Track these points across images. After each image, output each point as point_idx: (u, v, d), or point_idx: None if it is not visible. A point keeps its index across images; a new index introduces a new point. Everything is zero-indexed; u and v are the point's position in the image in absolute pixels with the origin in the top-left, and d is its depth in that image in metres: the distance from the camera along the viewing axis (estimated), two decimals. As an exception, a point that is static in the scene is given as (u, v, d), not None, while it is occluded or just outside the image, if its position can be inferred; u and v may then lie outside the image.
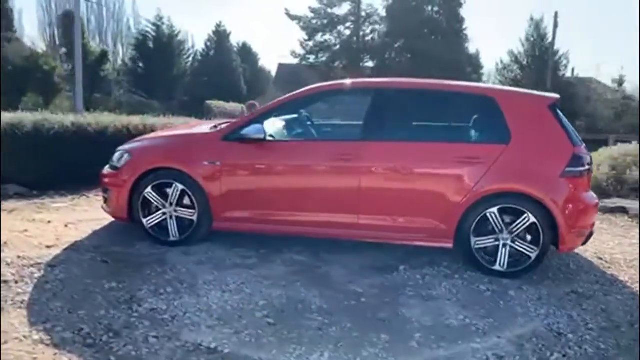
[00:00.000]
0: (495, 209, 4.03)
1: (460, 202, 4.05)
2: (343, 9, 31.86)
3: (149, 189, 4.43)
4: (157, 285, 3.71)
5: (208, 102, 20.89)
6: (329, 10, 31.83)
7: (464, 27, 29.75)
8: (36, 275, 3.73)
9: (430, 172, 4.16)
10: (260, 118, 4.37)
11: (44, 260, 3.98)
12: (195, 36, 60.55)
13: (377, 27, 31.72)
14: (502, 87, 4.56)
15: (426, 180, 4.15)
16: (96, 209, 5.53)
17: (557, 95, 4.29)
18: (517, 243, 4.05)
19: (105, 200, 4.75)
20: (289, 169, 4.33)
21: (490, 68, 31.08)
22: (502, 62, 27.95)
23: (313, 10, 31.74)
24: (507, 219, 4.04)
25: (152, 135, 5.34)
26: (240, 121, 4.45)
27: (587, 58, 58.83)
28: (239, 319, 3.30)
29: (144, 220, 4.49)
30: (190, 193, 4.36)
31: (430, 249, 4.35)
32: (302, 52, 32.58)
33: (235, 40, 34.07)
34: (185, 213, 4.42)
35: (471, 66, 30.19)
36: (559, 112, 4.18)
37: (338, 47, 32.03)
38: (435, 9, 29.96)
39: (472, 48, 30.82)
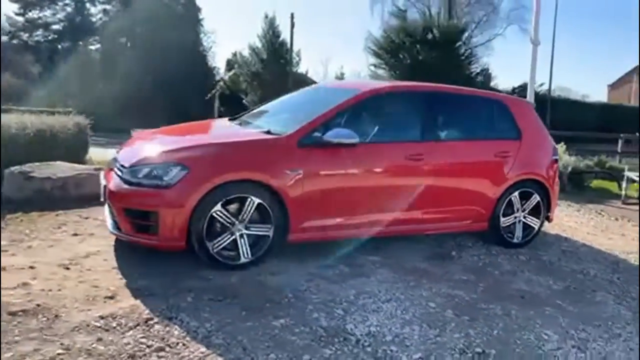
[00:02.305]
0: (516, 193, 4.96)
1: (498, 190, 4.83)
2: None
3: (218, 207, 3.77)
4: (327, 313, 3.35)
5: None
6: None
7: (200, 16, 29.89)
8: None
9: (479, 166, 4.80)
10: (331, 121, 4.21)
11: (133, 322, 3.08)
12: None
13: (108, 7, 28.96)
14: (505, 94, 5.47)
15: (476, 173, 4.77)
16: (56, 240, 4.26)
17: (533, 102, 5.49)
18: (527, 219, 5.09)
19: (143, 228, 3.78)
20: (368, 171, 4.31)
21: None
22: (241, 54, 29.26)
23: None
24: (522, 201, 5.03)
25: (193, 143, 4.20)
26: (312, 125, 4.16)
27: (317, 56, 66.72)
28: (433, 316, 3.35)
29: (210, 245, 3.81)
30: (267, 206, 3.91)
31: (448, 236, 5.01)
32: (10, 28, 27.30)
33: None
34: (259, 229, 3.94)
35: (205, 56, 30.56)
36: (536, 113, 5.38)
37: (59, 26, 28.03)
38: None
39: (209, 40, 31.18)
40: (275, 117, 4.86)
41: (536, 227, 5.16)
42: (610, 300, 4.01)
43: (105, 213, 4.27)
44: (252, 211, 3.87)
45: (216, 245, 3.82)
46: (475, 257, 4.70)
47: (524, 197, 5.02)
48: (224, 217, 3.81)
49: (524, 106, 5.31)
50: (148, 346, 2.77)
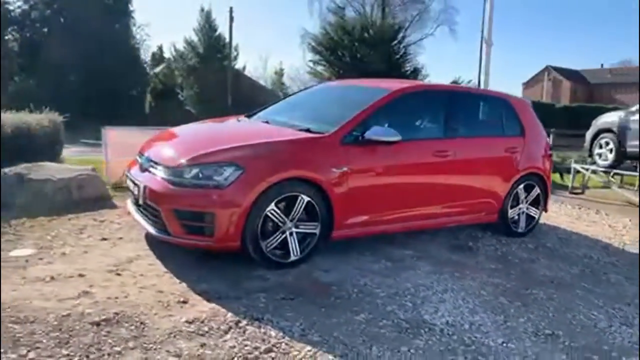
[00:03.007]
0: (522, 186, 5.33)
1: (507, 184, 5.17)
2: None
3: (272, 206, 3.78)
4: (399, 305, 3.46)
5: None
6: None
7: (131, 8, 28.55)
8: None
9: (493, 161, 5.09)
10: (369, 119, 4.31)
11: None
12: None
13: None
14: (506, 93, 5.78)
15: (491, 168, 5.07)
16: (88, 246, 4.06)
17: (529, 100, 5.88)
18: (530, 210, 5.48)
19: (196, 230, 3.70)
20: (402, 168, 4.45)
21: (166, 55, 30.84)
22: (175, 48, 28.42)
23: None
24: (525, 193, 5.40)
25: (243, 142, 4.04)
26: (352, 123, 4.23)
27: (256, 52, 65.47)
28: (491, 304, 3.57)
29: (263, 244, 3.80)
30: (315, 204, 3.96)
31: (457, 229, 5.30)
32: None
33: None
34: (307, 227, 3.98)
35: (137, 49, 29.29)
36: (532, 110, 5.77)
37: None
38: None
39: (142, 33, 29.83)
40: (300, 115, 4.86)
41: (536, 217, 5.58)
42: (623, 281, 4.44)
43: (134, 216, 4.12)
44: (301, 209, 3.90)
45: (269, 244, 3.82)
46: (491, 247, 4.99)
47: (527, 189, 5.40)
48: (277, 216, 3.81)
49: (524, 104, 5.68)
50: (254, 348, 2.75)
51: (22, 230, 4.37)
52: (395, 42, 26.36)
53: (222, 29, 28.00)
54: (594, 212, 7.63)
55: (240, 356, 2.67)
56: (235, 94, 25.30)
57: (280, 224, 3.85)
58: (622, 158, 9.26)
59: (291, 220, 3.88)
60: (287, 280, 3.70)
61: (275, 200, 3.78)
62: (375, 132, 4.17)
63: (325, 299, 3.45)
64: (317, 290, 3.59)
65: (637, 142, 8.70)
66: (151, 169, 3.99)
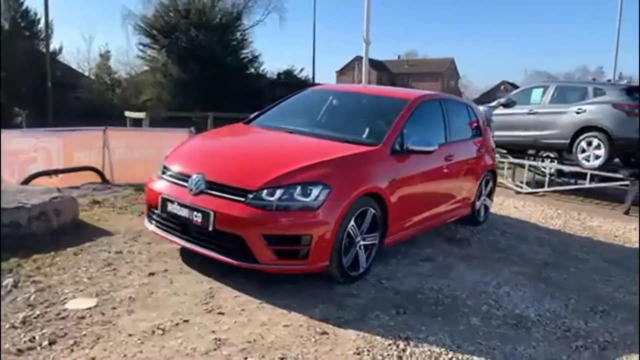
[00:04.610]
0: (484, 181, 6.09)
1: (478, 180, 5.86)
2: None
3: (352, 222, 3.80)
4: (487, 304, 3.83)
5: None
6: None
7: None
8: None
9: (472, 161, 5.69)
10: (403, 129, 4.50)
11: None
12: None
13: None
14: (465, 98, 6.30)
15: (470, 167, 5.65)
16: (149, 285, 3.55)
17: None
18: (486, 200, 6.29)
19: (290, 254, 3.53)
20: (428, 173, 4.72)
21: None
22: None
23: None
24: (486, 187, 6.19)
25: (316, 158, 3.88)
26: (394, 134, 4.36)
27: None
28: (542, 292, 4.16)
29: (345, 260, 3.81)
30: (378, 215, 4.08)
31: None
32: None
33: None
34: (370, 238, 4.07)
35: None
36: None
37: None
38: None
39: None
40: (321, 124, 4.80)
41: (490, 207, 6.42)
42: (592, 257, 5.43)
43: (188, 246, 3.72)
44: (369, 222, 3.97)
45: (347, 260, 3.83)
46: (477, 238, 5.64)
47: (486, 183, 6.18)
48: (354, 231, 3.83)
49: (476, 107, 6.42)
50: (441, 367, 2.85)
51: (31, 272, 3.56)
52: (233, 27, 26.00)
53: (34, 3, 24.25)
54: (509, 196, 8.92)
55: (438, 378, 2.74)
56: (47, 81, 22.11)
57: (355, 238, 3.87)
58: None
59: (360, 234, 3.93)
60: (375, 295, 3.77)
61: (354, 216, 3.79)
62: (416, 143, 4.40)
63: (427, 308, 3.64)
64: (409, 300, 3.74)
65: (501, 133, 10.30)
66: (215, 192, 3.62)
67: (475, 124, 6.02)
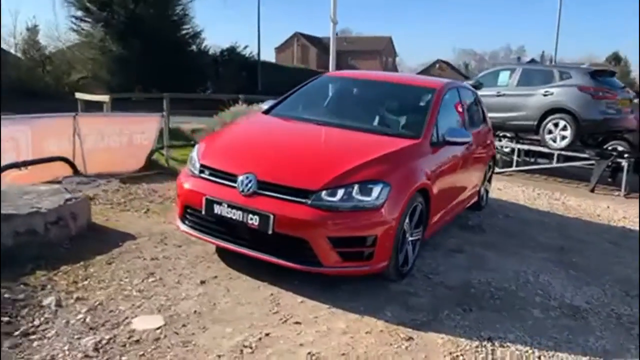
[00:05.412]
0: (488, 166, 6.18)
1: (486, 166, 5.94)
2: None
3: (407, 220, 3.72)
4: (537, 295, 3.90)
5: None
6: None
7: None
8: None
9: (484, 149, 5.73)
10: (438, 120, 4.43)
11: None
12: None
13: None
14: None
15: (482, 154, 5.70)
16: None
17: None
18: (487, 185, 6.40)
19: (355, 256, 3.39)
20: (458, 163, 4.68)
21: None
22: None
23: None
24: (488, 173, 6.28)
25: (371, 155, 3.70)
26: (431, 125, 4.27)
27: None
28: (575, 279, 4.29)
29: (400, 258, 3.74)
30: (423, 209, 4.01)
31: None
32: None
33: None
34: (416, 233, 4.01)
35: None
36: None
37: None
38: None
39: None
40: (350, 115, 4.60)
41: (489, 191, 6.54)
42: (594, 239, 5.68)
43: (238, 249, 3.49)
44: (417, 217, 3.90)
45: (401, 257, 3.75)
46: (487, 223, 5.73)
47: (489, 169, 6.28)
48: (407, 228, 3.75)
49: (478, 95, 6.45)
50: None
51: (69, 288, 3.20)
52: (174, 1, 24.68)
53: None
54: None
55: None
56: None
57: (406, 235, 3.78)
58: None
59: (409, 230, 3.85)
60: (433, 292, 3.72)
61: (409, 213, 3.70)
62: (453, 134, 4.35)
63: (487, 303, 3.64)
64: (467, 295, 3.73)
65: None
66: (270, 193, 3.39)
67: (482, 111, 6.06)
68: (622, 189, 9.07)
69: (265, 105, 4.96)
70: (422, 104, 4.55)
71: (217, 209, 3.50)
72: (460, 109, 5.16)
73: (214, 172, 3.66)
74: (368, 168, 3.54)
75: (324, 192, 3.34)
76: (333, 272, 3.41)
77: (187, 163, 3.97)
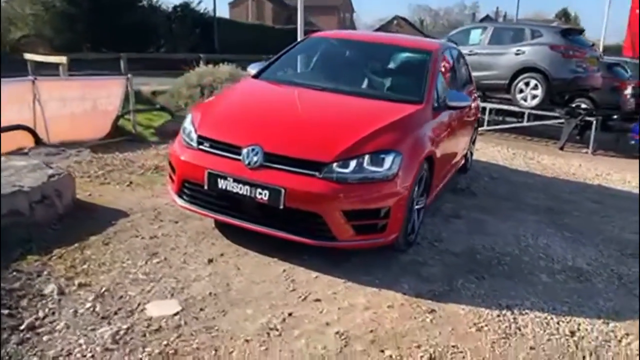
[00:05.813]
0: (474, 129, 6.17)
1: (473, 128, 5.92)
2: None
3: (416, 189, 3.63)
4: (543, 259, 3.94)
5: None
6: None
7: None
8: None
9: (472, 111, 5.67)
10: (436, 85, 4.31)
11: None
12: None
13: None
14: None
15: (471, 117, 5.63)
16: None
17: None
18: (471, 147, 6.40)
19: (368, 229, 3.29)
20: (455, 128, 4.59)
21: None
22: None
23: None
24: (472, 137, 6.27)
25: (380, 123, 3.54)
26: (431, 90, 4.13)
27: None
28: (576, 241, 4.37)
29: (409, 227, 3.67)
30: (428, 177, 3.93)
31: None
32: None
33: None
34: (421, 201, 3.94)
35: None
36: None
37: None
38: None
39: None
40: (342, 78, 4.40)
41: (473, 153, 6.56)
42: (578, 199, 5.82)
43: (245, 225, 3.33)
44: (423, 185, 3.83)
45: (410, 226, 3.68)
46: (475, 186, 5.75)
47: (474, 131, 6.26)
48: (415, 198, 3.67)
49: (463, 54, 6.34)
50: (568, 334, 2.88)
51: (68, 273, 2.96)
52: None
53: None
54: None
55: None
56: None
57: (414, 204, 3.71)
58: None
59: (417, 198, 3.78)
60: (442, 260, 3.69)
61: (418, 182, 3.62)
62: (454, 98, 4.26)
63: (496, 270, 3.64)
64: (474, 262, 3.72)
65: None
66: (279, 166, 3.21)
67: (469, 71, 5.98)
68: (590, 147, 9.33)
69: (253, 70, 4.68)
70: (419, 67, 4.39)
71: (221, 184, 3.30)
72: (455, 71, 5.05)
73: (215, 144, 3.42)
74: (378, 137, 3.39)
75: (335, 164, 3.19)
76: (347, 245, 3.31)
77: (181, 133, 3.71)
